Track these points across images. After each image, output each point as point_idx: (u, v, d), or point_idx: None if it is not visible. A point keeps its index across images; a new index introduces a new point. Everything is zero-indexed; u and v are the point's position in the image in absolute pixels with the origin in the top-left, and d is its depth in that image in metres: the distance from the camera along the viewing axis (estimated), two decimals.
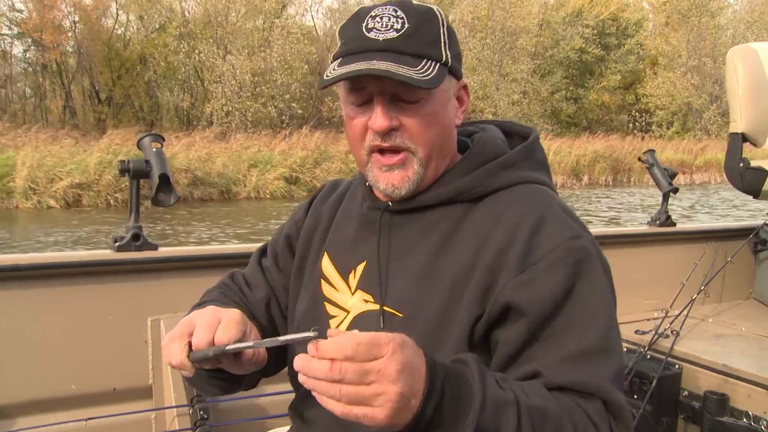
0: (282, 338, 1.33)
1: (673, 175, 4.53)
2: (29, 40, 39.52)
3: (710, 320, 4.31)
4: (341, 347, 1.20)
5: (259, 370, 1.72)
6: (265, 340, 1.40)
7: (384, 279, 1.67)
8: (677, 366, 3.67)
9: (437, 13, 1.64)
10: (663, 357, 3.67)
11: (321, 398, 1.22)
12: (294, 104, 39.35)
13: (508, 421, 1.31)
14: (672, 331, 3.86)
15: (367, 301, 1.68)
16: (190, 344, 1.45)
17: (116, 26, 42.74)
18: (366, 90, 1.59)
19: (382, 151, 1.63)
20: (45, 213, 21.56)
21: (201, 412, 2.99)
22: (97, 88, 41.45)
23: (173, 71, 41.12)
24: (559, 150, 36.63)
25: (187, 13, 41.49)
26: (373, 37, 1.57)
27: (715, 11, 54.55)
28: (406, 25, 1.57)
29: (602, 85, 52.73)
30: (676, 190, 4.48)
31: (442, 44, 1.62)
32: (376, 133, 1.59)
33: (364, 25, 1.60)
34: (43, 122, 34.39)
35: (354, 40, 1.61)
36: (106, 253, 3.15)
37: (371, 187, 1.78)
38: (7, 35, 40.11)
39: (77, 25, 40.44)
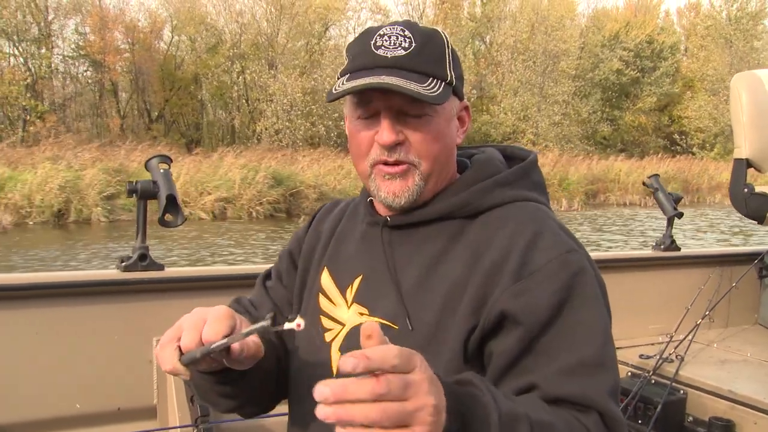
0: (243, 331, 1.28)
1: (677, 200, 4.42)
2: (86, 61, 40.27)
3: (715, 345, 4.19)
4: (390, 356, 1.05)
5: (266, 397, 1.76)
6: (234, 335, 1.34)
7: (383, 292, 1.64)
8: (682, 391, 3.58)
9: (443, 35, 1.65)
10: (668, 382, 3.58)
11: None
12: (342, 123, 39.54)
13: None
14: (677, 356, 3.76)
15: (362, 314, 1.66)
16: (181, 348, 1.40)
17: (170, 48, 43.19)
18: (373, 105, 1.58)
19: (385, 163, 1.61)
20: (197, 224, 22.82)
21: None
22: (148, 106, 41.94)
23: (224, 90, 41.48)
24: (630, 171, 36.89)
25: (236, 37, 41.74)
26: (381, 54, 1.57)
27: (759, 35, 53.90)
28: (414, 45, 1.57)
29: (638, 106, 52.16)
30: (680, 215, 4.37)
31: (447, 64, 1.61)
32: (381, 147, 1.58)
33: (372, 42, 1.59)
34: (101, 139, 34.84)
35: (362, 56, 1.60)
36: (112, 273, 3.10)
37: (372, 204, 1.78)
38: (69, 57, 40.80)
39: (135, 46, 41.01)
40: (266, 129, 38.56)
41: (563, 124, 46.26)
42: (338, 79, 1.62)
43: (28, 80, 36.54)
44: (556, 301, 1.46)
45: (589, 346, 1.44)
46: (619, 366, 3.73)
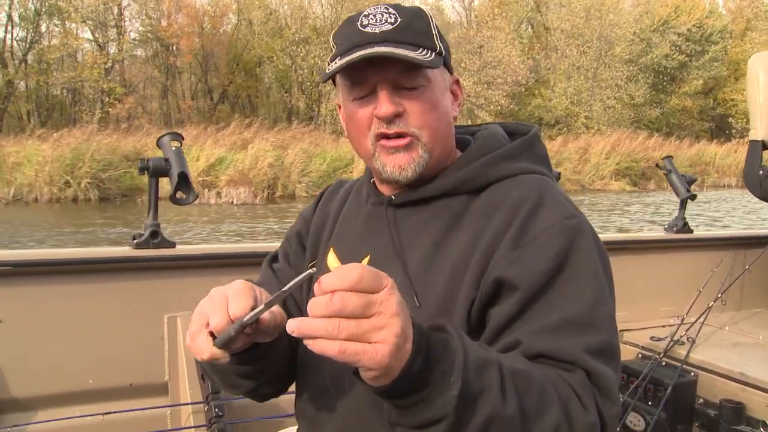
0: (285, 287, 1.21)
1: (691, 182, 4.26)
2: (157, 45, 40.52)
3: (727, 328, 4.05)
4: (346, 275, 1.06)
5: (282, 377, 1.70)
6: (272, 297, 1.25)
7: (391, 270, 1.51)
8: (693, 373, 3.47)
9: (426, 11, 1.62)
10: (678, 364, 3.47)
11: (314, 343, 1.07)
12: None
13: (491, 381, 1.19)
14: (688, 339, 3.63)
15: None
16: (212, 333, 1.33)
17: (235, 32, 43.17)
18: (368, 82, 1.54)
19: (386, 138, 1.57)
20: None
21: (216, 410, 2.88)
22: (210, 88, 42.20)
23: (288, 73, 41.65)
24: (726, 154, 37.61)
25: (299, 21, 41.65)
26: (369, 31, 1.53)
27: None
28: (399, 19, 1.54)
29: (683, 90, 51.06)
30: (693, 197, 4.21)
31: (435, 37, 1.58)
32: (381, 120, 1.54)
33: (358, 23, 1.55)
34: (176, 120, 35.63)
35: (351, 36, 1.55)
36: (124, 250, 3.06)
37: (375, 184, 1.74)
38: (141, 41, 41.08)
39: (204, 30, 41.24)
40: (330, 111, 38.52)
41: (616, 108, 45.69)
42: (329, 64, 1.59)
43: (108, 63, 37.17)
44: (552, 266, 1.41)
45: (577, 305, 1.39)
46: (630, 348, 3.69)
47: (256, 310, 1.26)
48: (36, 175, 22.02)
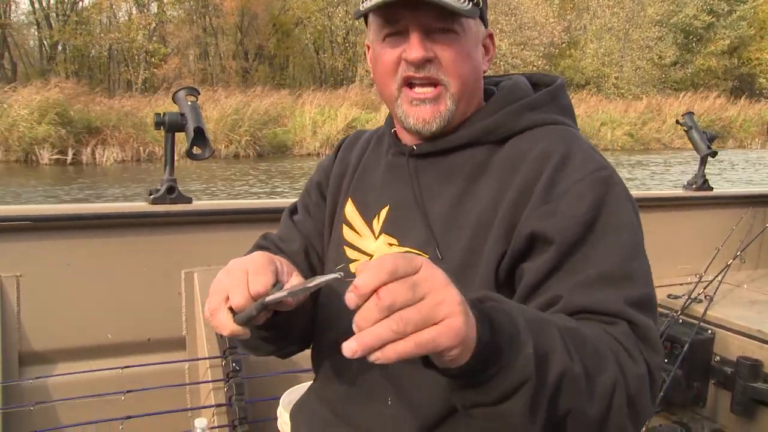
0: (311, 284, 1.14)
1: (711, 138, 4.11)
2: (195, 4, 39.98)
3: (745, 286, 3.94)
4: (380, 267, 0.94)
5: (306, 336, 1.64)
6: (297, 290, 1.18)
7: (411, 221, 1.53)
8: (710, 331, 3.39)
9: None
10: (695, 322, 3.38)
11: (386, 351, 0.94)
12: None
13: (554, 337, 1.11)
14: (705, 296, 3.54)
15: (391, 245, 1.55)
16: (232, 308, 1.26)
17: None
18: (400, 22, 1.45)
19: (411, 85, 1.49)
20: None
21: (233, 364, 2.85)
22: (246, 48, 41.66)
23: (324, 34, 41.40)
24: None
25: None
26: None
27: None
28: None
29: (709, 50, 49.75)
30: (714, 154, 4.07)
31: None
32: (410, 64, 1.45)
33: None
34: (221, 82, 35.18)
35: None
36: (141, 206, 3.03)
37: (396, 134, 1.66)
38: (177, 1, 40.39)
39: None
40: (367, 71, 38.46)
41: (646, 69, 44.94)
42: (363, 2, 1.47)
43: (153, 24, 37.01)
44: (587, 220, 1.34)
45: (613, 258, 1.32)
46: None
47: (279, 295, 1.20)
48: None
